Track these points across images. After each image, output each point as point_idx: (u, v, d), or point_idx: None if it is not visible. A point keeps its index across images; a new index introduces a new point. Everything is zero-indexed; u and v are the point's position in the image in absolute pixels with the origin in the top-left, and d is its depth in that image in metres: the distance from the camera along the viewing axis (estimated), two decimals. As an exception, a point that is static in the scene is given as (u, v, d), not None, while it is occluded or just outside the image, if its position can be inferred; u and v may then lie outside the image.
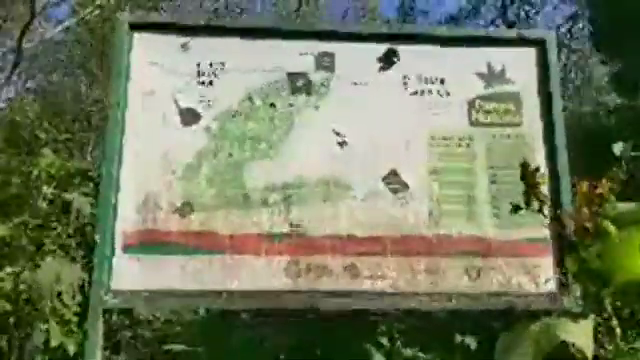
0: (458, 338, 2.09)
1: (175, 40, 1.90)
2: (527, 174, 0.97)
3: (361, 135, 1.85)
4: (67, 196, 2.57)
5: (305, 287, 1.70)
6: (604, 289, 0.78)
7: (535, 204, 0.95)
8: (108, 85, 2.06)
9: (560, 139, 1.88)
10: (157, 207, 1.74)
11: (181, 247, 1.71)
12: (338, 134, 1.85)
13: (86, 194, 2.66)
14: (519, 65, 1.97)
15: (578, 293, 1.60)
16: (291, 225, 1.76)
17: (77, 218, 2.54)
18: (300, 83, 1.89)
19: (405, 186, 1.82)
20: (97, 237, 1.71)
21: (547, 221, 0.94)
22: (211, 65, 1.88)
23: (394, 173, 1.83)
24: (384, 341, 2.14)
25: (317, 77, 1.90)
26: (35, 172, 2.63)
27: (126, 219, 1.72)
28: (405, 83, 1.92)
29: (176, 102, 1.84)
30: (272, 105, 1.87)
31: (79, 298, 2.22)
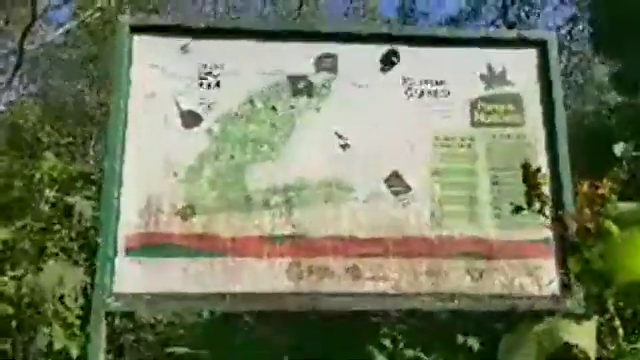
0: (460, 339, 2.09)
1: (176, 42, 1.90)
2: (528, 175, 0.97)
3: (362, 136, 1.85)
4: (69, 199, 2.57)
5: (307, 289, 1.70)
6: (607, 290, 0.78)
7: (537, 205, 0.95)
8: (109, 88, 2.06)
9: (561, 140, 1.88)
10: (159, 210, 1.74)
11: (183, 250, 1.72)
12: (340, 136, 1.85)
13: (88, 197, 2.66)
14: (520, 66, 1.97)
15: (581, 294, 1.61)
16: (293, 227, 1.76)
17: (79, 221, 2.54)
18: (301, 85, 1.89)
19: (407, 187, 1.82)
20: (99, 240, 1.72)
21: (549, 222, 0.94)
22: (212, 67, 1.89)
23: (396, 174, 1.83)
24: (386, 342, 2.14)
25: (318, 79, 1.91)
26: (37, 175, 2.63)
27: (128, 222, 1.73)
28: (406, 84, 1.92)
29: (177, 104, 1.85)
30: (273, 107, 1.87)
31: (82, 301, 2.22)
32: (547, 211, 0.95)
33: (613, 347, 0.80)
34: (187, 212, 1.75)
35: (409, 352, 2.11)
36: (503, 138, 1.90)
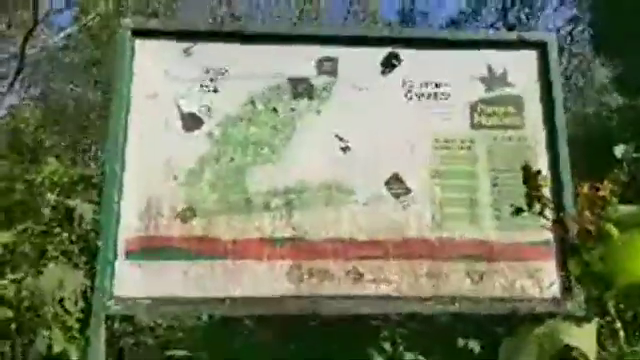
0: (461, 342, 2.08)
1: (177, 46, 1.91)
2: (529, 177, 0.97)
3: (363, 139, 1.85)
4: (70, 203, 2.58)
5: (307, 292, 1.70)
6: (607, 292, 0.78)
7: (537, 207, 0.95)
8: (110, 91, 2.06)
9: (562, 142, 1.88)
10: (159, 213, 1.74)
11: (183, 252, 1.72)
12: (340, 138, 1.85)
13: (89, 201, 2.67)
14: (520, 68, 1.97)
15: (581, 297, 1.60)
16: (293, 229, 1.76)
17: (80, 225, 2.55)
18: (302, 88, 1.90)
19: (407, 190, 1.82)
20: (100, 243, 1.72)
21: (549, 224, 0.94)
22: (213, 70, 1.89)
23: (396, 177, 1.83)
24: (386, 345, 2.14)
25: (319, 82, 1.91)
26: (38, 179, 2.64)
27: (128, 225, 1.73)
28: (406, 87, 1.92)
29: (178, 107, 1.85)
30: (274, 110, 1.87)
31: (81, 304, 2.22)
32: (547, 213, 0.94)
33: (614, 349, 0.80)
34: (187, 215, 1.75)
35: (409, 355, 2.11)
36: (503, 140, 1.90)
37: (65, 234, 2.53)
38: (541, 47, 1.99)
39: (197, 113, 1.85)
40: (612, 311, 0.79)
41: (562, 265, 1.74)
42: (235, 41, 1.94)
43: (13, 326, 2.23)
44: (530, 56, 1.99)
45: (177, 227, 1.74)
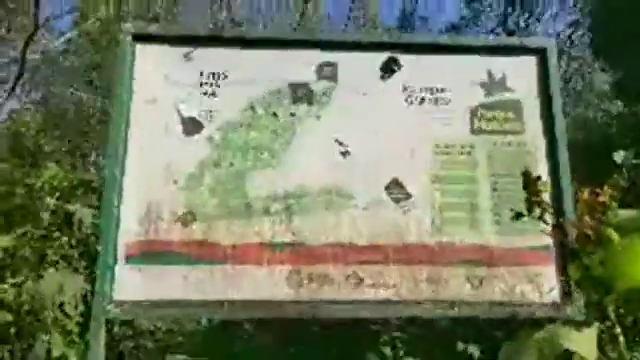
0: (461, 347, 2.08)
1: (178, 51, 1.91)
2: (529, 182, 0.97)
3: (363, 144, 1.85)
4: (70, 207, 2.58)
5: (307, 296, 1.70)
6: (607, 297, 0.78)
7: (537, 212, 0.95)
8: (110, 96, 2.07)
9: (561, 147, 1.88)
10: (159, 217, 1.74)
11: (183, 257, 1.71)
12: (340, 143, 1.85)
13: (89, 205, 2.67)
14: (520, 73, 1.97)
15: (581, 301, 1.60)
16: (293, 234, 1.76)
17: (79, 229, 2.55)
18: (301, 93, 1.90)
19: (407, 195, 1.82)
20: (99, 247, 1.72)
21: (549, 229, 0.94)
22: (213, 75, 1.90)
23: (396, 182, 1.83)
24: (386, 350, 2.13)
25: (319, 86, 1.91)
26: (38, 183, 2.64)
27: (128, 230, 1.73)
28: (406, 92, 1.93)
29: (179, 112, 1.86)
30: (274, 115, 1.88)
31: (81, 309, 2.22)
32: (547, 218, 0.94)
33: (614, 355, 0.80)
34: (187, 219, 1.75)
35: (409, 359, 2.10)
36: (503, 145, 1.90)
37: (65, 238, 2.53)
38: (541, 52, 2.00)
39: (197, 117, 1.85)
40: (612, 316, 0.79)
41: (562, 270, 1.74)
42: (235, 46, 1.94)
43: (13, 330, 2.23)
44: (530, 61, 1.99)
45: (177, 231, 1.74)
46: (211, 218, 1.76)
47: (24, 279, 2.27)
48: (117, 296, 1.67)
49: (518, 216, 0.96)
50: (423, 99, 1.92)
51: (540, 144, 1.91)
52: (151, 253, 1.71)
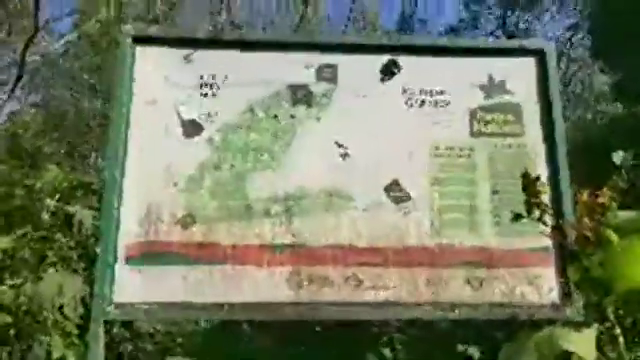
0: (460, 348, 2.08)
1: (178, 53, 1.92)
2: (528, 183, 0.97)
3: (363, 146, 1.86)
4: (70, 209, 2.58)
5: (307, 298, 1.70)
6: (606, 298, 0.79)
7: (536, 213, 0.95)
8: (110, 98, 2.07)
9: (561, 149, 1.89)
10: (159, 219, 1.75)
11: (182, 258, 1.72)
12: (340, 145, 1.86)
13: (89, 207, 2.67)
14: (519, 75, 1.98)
15: (580, 303, 1.60)
16: (293, 236, 1.76)
17: (79, 230, 2.55)
18: (301, 95, 1.90)
19: (407, 196, 1.82)
20: (99, 249, 1.72)
21: (548, 230, 0.94)
22: (213, 77, 1.90)
23: (396, 183, 1.83)
24: (386, 352, 2.13)
25: (318, 88, 1.92)
26: (38, 185, 2.64)
27: (128, 231, 1.73)
28: (406, 94, 1.93)
29: (179, 114, 1.86)
30: (274, 117, 1.88)
31: (81, 310, 2.21)
32: (547, 219, 0.95)
33: (613, 355, 0.80)
34: (187, 221, 1.75)
35: (409, 362, 2.10)
36: (503, 147, 1.90)
37: (64, 240, 2.53)
38: (540, 55, 2.00)
39: (197, 119, 1.86)
40: (611, 317, 0.79)
41: (561, 271, 1.74)
42: (235, 48, 1.95)
43: (12, 332, 2.22)
44: (529, 64, 2.00)
45: (177, 233, 1.74)
46: (211, 220, 1.76)
47: (23, 280, 2.27)
48: (116, 298, 1.67)
49: (517, 217, 0.97)
50: (423, 101, 1.93)
51: (539, 146, 1.91)
52: (151, 254, 1.71)
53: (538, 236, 1.65)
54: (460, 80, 1.95)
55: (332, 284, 1.72)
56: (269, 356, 2.16)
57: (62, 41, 8.11)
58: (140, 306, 1.67)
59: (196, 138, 1.84)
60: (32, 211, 2.61)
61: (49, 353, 2.14)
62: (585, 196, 0.88)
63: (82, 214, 2.54)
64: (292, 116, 1.88)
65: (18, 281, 2.26)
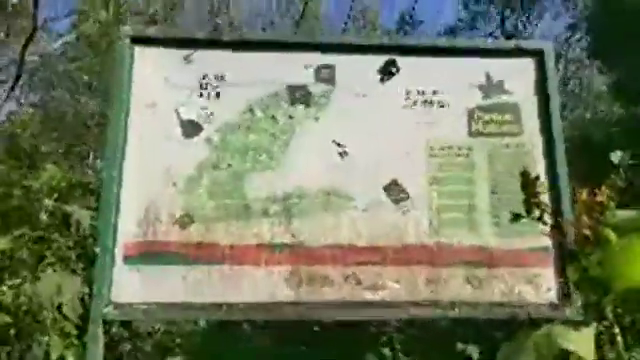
0: (460, 347, 2.08)
1: (176, 53, 1.92)
2: (527, 183, 0.97)
3: (361, 146, 1.86)
4: (68, 208, 2.58)
5: (306, 297, 1.70)
6: (605, 297, 0.79)
7: (536, 213, 0.95)
8: (109, 98, 2.07)
9: (559, 148, 1.89)
10: (157, 219, 1.74)
11: (181, 258, 1.71)
12: (338, 145, 1.86)
13: (87, 207, 2.67)
14: (517, 76, 1.98)
15: (579, 302, 1.60)
16: (292, 235, 1.76)
17: (77, 231, 2.54)
18: (300, 95, 1.90)
19: (406, 196, 1.82)
20: (97, 248, 1.71)
21: (547, 229, 0.94)
22: (212, 77, 1.90)
23: (395, 183, 1.83)
24: (386, 351, 2.13)
25: (317, 89, 1.92)
26: (36, 185, 2.64)
27: (127, 231, 1.73)
28: (405, 94, 1.93)
29: (178, 114, 1.86)
30: (273, 116, 1.88)
31: (79, 310, 2.21)
32: (546, 219, 0.95)
33: (612, 355, 0.80)
34: (185, 221, 1.75)
35: (408, 361, 2.10)
36: (501, 147, 1.91)
37: (63, 240, 2.53)
38: (538, 55, 2.00)
39: (196, 120, 1.86)
40: (610, 316, 0.80)
41: (560, 271, 1.75)
42: (234, 48, 1.95)
43: (11, 332, 2.22)
44: (527, 64, 2.00)
45: (175, 233, 1.74)
46: (209, 220, 1.76)
47: (22, 281, 2.27)
48: (115, 298, 1.67)
49: (517, 218, 0.97)
50: (421, 101, 1.93)
51: (538, 146, 1.91)
52: (149, 254, 1.71)
53: (537, 236, 1.66)
54: (458, 80, 1.95)
55: (331, 284, 1.72)
56: (268, 356, 2.16)
57: (60, 41, 8.10)
58: (139, 306, 1.67)
59: (195, 138, 1.84)
60: (30, 211, 2.60)
61: (48, 353, 2.13)
62: (584, 195, 0.88)
63: (80, 214, 2.53)
64: (291, 116, 1.88)
65: (17, 281, 2.25)
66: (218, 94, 1.88)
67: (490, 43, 2.90)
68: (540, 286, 1.76)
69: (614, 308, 0.80)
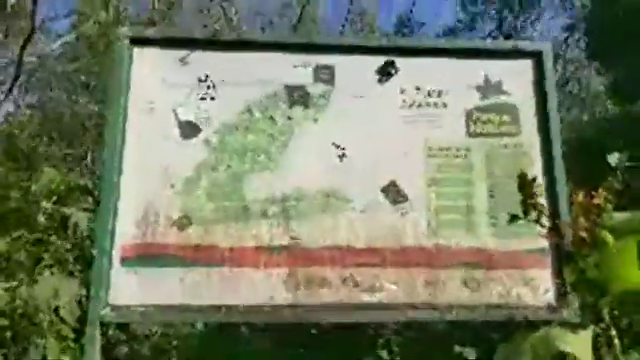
0: (457, 349, 2.08)
1: (175, 54, 1.91)
2: (524, 184, 0.97)
3: (360, 147, 1.86)
4: (66, 210, 2.57)
5: (304, 299, 1.70)
6: (602, 299, 0.79)
7: (533, 214, 0.95)
8: (107, 99, 2.07)
9: (557, 149, 1.89)
10: (156, 221, 1.74)
11: (179, 260, 1.71)
12: (337, 146, 1.86)
13: (85, 209, 2.66)
14: (516, 77, 1.98)
15: (576, 304, 1.60)
16: (290, 237, 1.75)
17: (75, 233, 2.54)
18: (298, 96, 1.90)
19: (404, 197, 1.82)
20: (95, 250, 1.71)
21: (544, 231, 0.94)
22: (210, 78, 1.89)
23: (393, 184, 1.83)
24: (383, 353, 2.13)
25: (316, 90, 1.92)
26: (34, 187, 2.63)
27: (125, 233, 1.72)
28: (403, 95, 1.93)
29: (176, 115, 1.85)
30: (271, 117, 1.88)
31: (77, 313, 2.21)
32: (543, 220, 0.95)
33: (610, 357, 0.80)
34: (183, 223, 1.75)
35: (406, 363, 2.10)
36: (499, 148, 1.91)
37: (60, 242, 2.52)
38: (536, 56, 2.01)
39: (194, 121, 1.85)
40: (607, 318, 0.79)
41: (557, 273, 1.75)
42: (232, 49, 1.94)
43: (7, 335, 2.21)
44: (526, 65, 2.00)
45: (173, 235, 1.73)
46: (208, 222, 1.75)
47: (19, 283, 2.26)
48: (112, 300, 1.66)
49: (514, 219, 0.97)
50: (420, 102, 1.93)
51: (535, 147, 1.91)
52: (147, 256, 1.71)
53: (534, 237, 1.66)
54: (457, 81, 1.95)
55: (330, 285, 1.72)
56: (266, 358, 2.16)
57: (59, 42, 8.09)
58: (136, 308, 1.66)
59: (193, 139, 1.84)
60: (28, 213, 2.60)
61: (44, 356, 2.13)
62: (581, 197, 0.87)
63: (78, 216, 2.53)
64: (289, 117, 1.88)
65: (14, 284, 2.25)
66: (216, 95, 1.88)
67: (488, 44, 2.91)
68: (537, 288, 1.75)
69: (611, 310, 0.80)
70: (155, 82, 1.87)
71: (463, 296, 1.73)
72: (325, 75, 1.93)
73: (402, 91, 1.93)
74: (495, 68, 1.98)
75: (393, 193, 1.82)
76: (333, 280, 1.72)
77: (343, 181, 1.82)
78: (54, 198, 2.68)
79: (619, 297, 0.77)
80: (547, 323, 0.83)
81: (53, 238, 2.50)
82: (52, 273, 2.30)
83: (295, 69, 1.92)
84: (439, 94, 1.94)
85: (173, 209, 1.76)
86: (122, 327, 2.54)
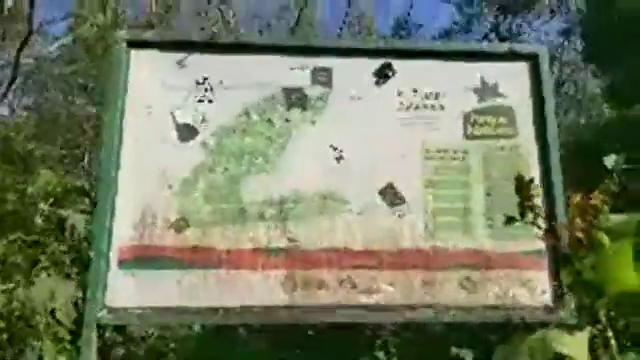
0: (454, 351, 2.08)
1: (172, 57, 1.91)
2: (521, 186, 0.98)
3: (357, 149, 1.86)
4: (63, 213, 2.57)
5: (301, 301, 1.70)
6: (598, 300, 0.79)
7: (529, 216, 0.96)
8: (105, 102, 2.07)
9: (554, 151, 1.90)
10: (153, 223, 1.74)
11: (176, 262, 1.71)
12: (334, 148, 1.86)
13: (82, 211, 2.66)
14: (512, 79, 1.99)
15: (573, 305, 1.61)
16: (288, 239, 1.76)
17: (72, 235, 2.53)
18: (296, 98, 1.90)
19: (401, 199, 1.83)
20: (92, 252, 1.71)
21: (541, 233, 0.95)
22: (208, 81, 1.90)
23: (390, 186, 1.84)
24: (381, 355, 2.13)
25: (313, 92, 1.92)
26: (31, 189, 2.62)
27: (122, 235, 1.72)
28: (400, 97, 1.94)
29: (173, 118, 1.85)
30: (269, 120, 1.88)
31: (73, 315, 2.20)
32: (540, 222, 0.95)
33: (606, 358, 0.80)
34: (181, 224, 1.75)
35: (404, 364, 2.10)
36: (496, 150, 1.91)
37: (57, 244, 2.52)
38: (533, 59, 2.01)
39: (192, 123, 1.85)
40: (603, 319, 0.80)
41: (554, 274, 1.75)
42: (230, 52, 1.95)
43: (4, 337, 2.21)
44: (522, 68, 2.01)
45: (171, 237, 1.73)
46: (205, 224, 1.75)
47: (16, 285, 2.26)
48: (109, 302, 1.66)
49: (511, 220, 0.97)
50: (417, 105, 1.93)
51: (532, 149, 1.92)
52: (144, 258, 1.71)
53: (531, 239, 1.67)
54: (454, 83, 1.96)
55: (327, 287, 1.72)
56: (263, 359, 2.15)
57: (56, 44, 8.08)
58: (133, 311, 1.66)
59: (191, 142, 1.84)
60: (24, 215, 2.59)
61: (41, 358, 2.12)
62: (577, 199, 0.88)
63: (75, 218, 2.52)
64: (287, 119, 1.88)
65: (10, 286, 2.24)
66: (214, 97, 1.88)
67: (485, 47, 2.92)
68: (534, 289, 1.76)
69: (607, 311, 0.81)
70: (153, 85, 1.87)
71: (460, 297, 1.74)
72: (323, 77, 1.93)
73: (399, 93, 1.94)
74: (492, 70, 1.99)
75: (390, 195, 1.83)
76: (330, 282, 1.72)
77: (340, 183, 1.82)
78: (51, 200, 2.68)
79: (615, 298, 0.78)
80: (544, 324, 0.83)
81: (50, 240, 2.49)
82: (49, 275, 2.29)
83: (293, 71, 1.93)
84: (436, 96, 1.94)
85: (170, 211, 1.75)
86: (119, 329, 2.53)
